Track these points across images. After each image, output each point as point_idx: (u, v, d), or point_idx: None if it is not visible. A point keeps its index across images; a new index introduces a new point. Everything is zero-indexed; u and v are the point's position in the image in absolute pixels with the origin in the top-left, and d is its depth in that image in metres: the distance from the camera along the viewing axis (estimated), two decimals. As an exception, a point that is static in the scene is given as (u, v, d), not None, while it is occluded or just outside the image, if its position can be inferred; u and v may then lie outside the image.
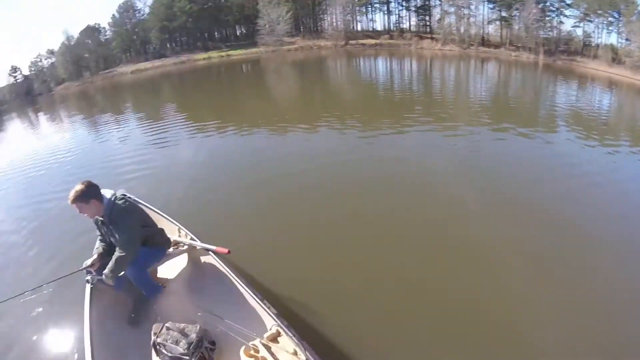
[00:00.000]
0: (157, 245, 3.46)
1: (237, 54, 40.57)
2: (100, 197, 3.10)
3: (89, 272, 3.26)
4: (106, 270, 3.10)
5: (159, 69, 44.16)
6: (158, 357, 2.88)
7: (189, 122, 13.18)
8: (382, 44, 32.07)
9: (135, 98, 28.55)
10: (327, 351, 2.90)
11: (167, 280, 3.80)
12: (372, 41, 33.90)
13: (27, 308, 4.69)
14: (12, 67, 64.09)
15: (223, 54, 41.99)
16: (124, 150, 10.65)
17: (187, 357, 2.71)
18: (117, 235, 3.12)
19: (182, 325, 2.90)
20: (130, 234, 3.12)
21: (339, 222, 5.06)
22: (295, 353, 2.45)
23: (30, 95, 59.87)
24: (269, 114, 11.85)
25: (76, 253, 4.34)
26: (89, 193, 3.02)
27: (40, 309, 4.23)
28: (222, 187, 6.73)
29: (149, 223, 3.44)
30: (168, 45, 51.73)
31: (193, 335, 2.80)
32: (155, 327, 3.04)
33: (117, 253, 3.09)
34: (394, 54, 25.42)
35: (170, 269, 3.89)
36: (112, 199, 3.14)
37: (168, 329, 2.89)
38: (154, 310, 3.31)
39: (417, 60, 22.82)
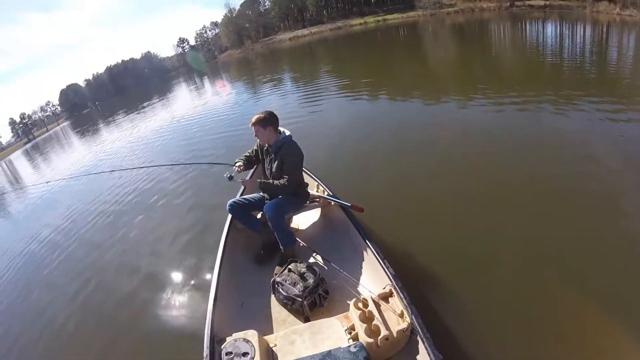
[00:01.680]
0: (299, 195, 3.75)
1: (394, 18, 39.48)
2: (276, 127, 3.49)
3: (232, 176, 3.74)
4: (262, 181, 3.63)
5: (316, 35, 46.35)
6: (273, 295, 3.24)
7: (340, 85, 13.80)
8: (552, 6, 27.35)
9: (291, 62, 30.61)
10: (434, 321, 2.86)
11: (297, 229, 4.20)
12: (541, 2, 29.28)
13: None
14: (179, 38, 74.80)
15: (379, 18, 41.31)
16: (275, 107, 11.59)
17: (300, 299, 2.96)
18: (282, 167, 3.51)
19: (304, 270, 3.17)
20: (295, 171, 3.50)
21: (479, 195, 4.74)
22: (401, 315, 2.49)
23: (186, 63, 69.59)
24: (422, 81, 11.56)
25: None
26: (269, 121, 3.41)
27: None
28: (362, 150, 6.91)
29: (300, 171, 3.77)
30: (324, 12, 53.37)
31: (311, 281, 3.05)
32: (277, 269, 3.40)
33: (279, 181, 3.50)
34: (564, 17, 21.67)
35: (303, 219, 4.31)
36: (289, 135, 3.55)
37: (290, 270, 3.20)
38: (280, 255, 3.65)
39: (592, 26, 19.11)
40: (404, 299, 2.53)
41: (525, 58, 12.98)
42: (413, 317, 2.40)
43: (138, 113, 28.24)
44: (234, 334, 2.59)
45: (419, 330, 2.33)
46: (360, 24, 42.75)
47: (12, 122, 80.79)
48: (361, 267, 3.16)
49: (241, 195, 4.18)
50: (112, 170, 11.44)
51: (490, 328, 2.96)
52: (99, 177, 12.61)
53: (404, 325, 2.42)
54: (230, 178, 3.72)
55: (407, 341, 2.47)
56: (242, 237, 3.89)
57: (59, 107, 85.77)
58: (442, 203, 4.74)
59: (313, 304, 2.98)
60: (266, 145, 3.63)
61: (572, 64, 11.43)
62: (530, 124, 6.57)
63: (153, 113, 23.87)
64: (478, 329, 2.96)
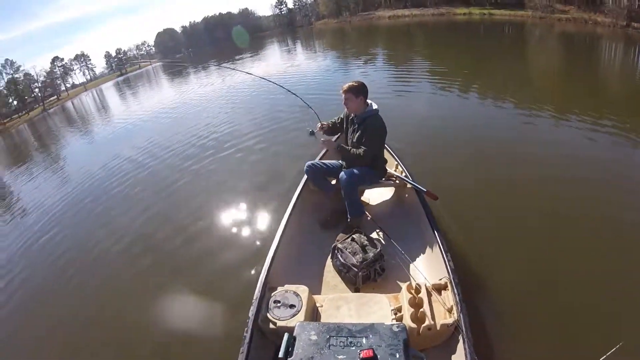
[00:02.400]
0: (375, 169, 3.72)
1: (500, 13, 36.52)
2: (365, 98, 3.51)
3: (314, 133, 3.96)
4: (340, 145, 3.68)
5: (416, 18, 44.63)
6: (331, 259, 3.30)
7: (432, 73, 13.31)
8: None
9: (387, 41, 29.79)
10: (478, 322, 2.78)
11: (368, 203, 4.22)
12: None
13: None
14: (277, 0, 75.45)
15: (485, 11, 38.41)
16: (363, 80, 11.54)
17: (356, 269, 2.98)
18: (363, 137, 3.50)
19: (366, 242, 3.19)
20: (373, 143, 3.49)
21: (553, 216, 4.42)
22: (450, 310, 2.44)
23: (291, 26, 70.39)
24: (518, 86, 10.72)
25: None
26: (361, 90, 3.44)
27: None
28: (444, 142, 6.77)
29: (381, 146, 3.76)
30: (429, -5, 51.03)
31: (370, 254, 3.05)
32: (340, 236, 3.44)
33: (356, 150, 3.53)
34: None
35: (376, 194, 4.31)
36: (376, 109, 3.54)
37: (353, 240, 3.22)
38: (346, 224, 3.68)
39: None
40: (456, 295, 2.46)
41: (633, 87, 11.62)
42: (461, 315, 2.33)
43: (226, 65, 29.34)
44: (286, 285, 2.69)
45: (463, 329, 2.26)
46: (464, 13, 40.13)
47: (108, 55, 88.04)
48: (422, 253, 3.11)
49: (320, 159, 4.28)
50: (195, 111, 12.28)
51: (533, 344, 2.81)
52: (180, 118, 13.62)
53: (449, 320, 2.36)
54: (312, 133, 3.86)
55: (449, 337, 2.42)
56: (313, 199, 3.97)
57: (153, 48, 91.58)
58: (514, 214, 4.50)
59: (367, 277, 3.00)
60: (352, 115, 3.62)
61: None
62: (623, 159, 5.94)
63: (242, 67, 24.61)
64: (519, 342, 2.84)
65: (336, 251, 3.18)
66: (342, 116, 3.85)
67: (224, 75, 22.57)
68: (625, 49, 19.56)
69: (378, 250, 3.09)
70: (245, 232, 4.91)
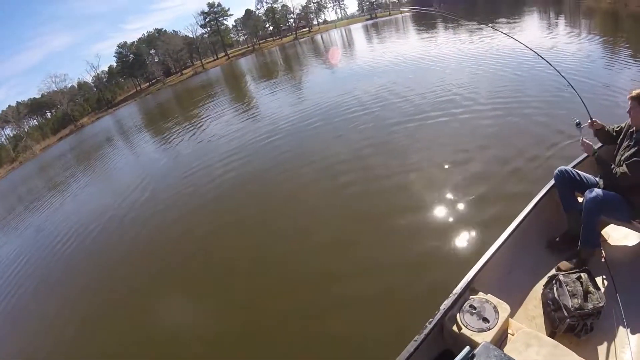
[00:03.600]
0: (629, 203, 2.98)
1: None
2: None
3: (580, 126, 3.32)
4: (598, 151, 3.11)
5: None
6: (543, 287, 2.87)
7: None
8: None
9: None
10: None
11: (607, 241, 3.42)
12: None
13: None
14: None
15: None
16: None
17: (565, 314, 2.52)
18: (633, 158, 2.86)
19: (592, 289, 2.63)
20: (638, 166, 2.81)
21: None
22: None
23: None
24: None
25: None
26: None
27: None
28: None
29: None
30: None
31: (590, 306, 2.51)
32: (563, 263, 2.99)
33: (617, 167, 2.94)
34: None
35: (620, 235, 3.44)
36: None
37: (579, 278, 2.70)
38: (574, 253, 3.14)
39: None
40: None
41: None
42: None
43: (475, 28, 27.48)
44: (489, 294, 2.50)
45: None
46: None
47: None
48: None
49: (574, 166, 3.56)
50: (435, 67, 12.03)
51: None
52: (419, 70, 13.62)
53: None
54: (578, 125, 3.25)
55: None
56: (549, 209, 3.43)
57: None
58: None
59: (572, 327, 2.52)
60: (633, 128, 2.93)
61: None
62: None
63: (493, 33, 22.74)
64: None
65: (554, 281, 2.74)
66: (622, 125, 3.12)
67: (475, 34, 21.17)
68: None
69: (600, 305, 2.52)
70: (461, 219, 4.70)
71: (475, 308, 2.40)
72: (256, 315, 4.17)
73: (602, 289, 2.80)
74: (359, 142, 7.90)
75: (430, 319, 2.38)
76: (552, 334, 2.61)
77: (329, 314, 3.82)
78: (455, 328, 2.35)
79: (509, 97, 8.29)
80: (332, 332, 3.62)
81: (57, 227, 10.24)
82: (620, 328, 2.52)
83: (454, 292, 2.48)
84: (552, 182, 3.37)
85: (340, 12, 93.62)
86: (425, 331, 2.32)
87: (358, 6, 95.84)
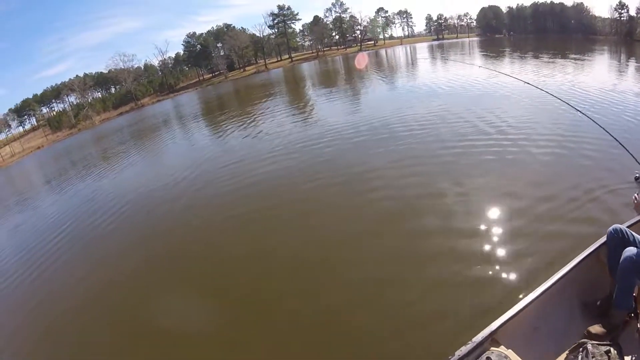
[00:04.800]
0: None
1: None
2: None
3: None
4: None
5: None
6: (568, 352, 2.61)
7: None
8: None
9: None
10: None
11: None
12: None
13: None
14: (619, 2, 58.53)
15: None
16: None
17: None
18: None
19: None
20: None
21: None
22: None
23: (629, 37, 54.20)
24: None
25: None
26: None
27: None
28: None
29: None
30: None
31: None
32: (594, 328, 2.74)
33: None
34: None
35: None
36: None
37: (608, 353, 2.45)
38: (609, 319, 2.85)
39: None
40: None
41: None
42: None
43: (543, 59, 26.42)
44: (510, 349, 2.36)
45: None
46: None
47: (429, 18, 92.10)
48: None
49: (629, 226, 3.18)
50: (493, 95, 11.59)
51: None
52: (474, 98, 13.21)
53: None
54: (638, 180, 3.06)
55: None
56: (595, 269, 3.15)
57: (474, 22, 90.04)
58: None
59: None
60: None
61: None
62: None
63: (560, 68, 21.65)
64: None
65: (581, 349, 2.50)
66: None
67: (541, 70, 20.41)
68: None
69: None
70: (496, 261, 4.45)
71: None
72: (270, 316, 4.25)
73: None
74: (401, 159, 7.92)
75: None
76: None
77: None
78: None
79: (565, 139, 7.88)
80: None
81: (97, 198, 11.14)
82: None
83: (474, 340, 2.34)
84: (603, 239, 3.08)
85: (408, 30, 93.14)
86: None
87: (426, 25, 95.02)
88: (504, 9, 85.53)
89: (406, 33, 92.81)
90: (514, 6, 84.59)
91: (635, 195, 2.91)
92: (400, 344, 3.48)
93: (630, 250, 2.72)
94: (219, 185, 9.07)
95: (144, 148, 18.75)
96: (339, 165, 8.48)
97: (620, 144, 3.42)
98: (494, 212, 5.43)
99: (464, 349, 2.31)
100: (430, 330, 3.53)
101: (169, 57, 74.60)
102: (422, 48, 59.56)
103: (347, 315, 4.00)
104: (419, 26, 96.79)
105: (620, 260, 2.74)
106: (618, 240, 2.93)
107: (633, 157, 3.24)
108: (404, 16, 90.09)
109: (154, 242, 7.00)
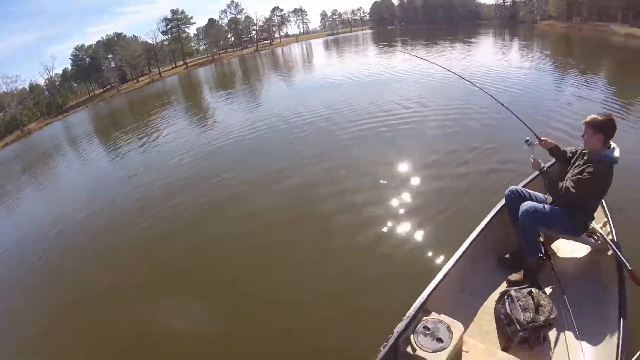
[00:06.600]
0: (572, 219, 3.07)
1: None
2: (607, 138, 2.92)
3: (531, 144, 3.35)
4: (545, 167, 3.15)
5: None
6: (495, 303, 2.90)
7: None
8: None
9: (618, 66, 23.26)
10: None
11: (555, 254, 3.54)
12: None
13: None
14: None
15: None
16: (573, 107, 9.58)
17: (518, 327, 2.57)
18: (577, 176, 2.95)
19: (543, 302, 2.67)
20: (581, 185, 2.88)
21: None
22: None
23: (512, 20, 63.19)
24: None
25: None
26: (602, 128, 2.89)
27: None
28: None
29: (595, 198, 3.07)
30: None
31: (541, 318, 2.56)
32: (513, 276, 3.11)
33: (561, 182, 3.01)
34: None
35: (568, 248, 3.58)
36: (614, 157, 2.90)
37: (530, 294, 2.72)
38: (525, 268, 3.21)
39: None
40: None
41: None
42: None
43: (434, 46, 28.57)
44: (442, 315, 2.48)
45: None
46: None
47: (323, 14, 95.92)
48: (596, 341, 2.50)
49: (525, 185, 3.69)
50: (389, 87, 12.25)
51: None
52: (373, 89, 13.74)
53: None
54: (528, 142, 3.29)
55: None
56: (501, 228, 3.49)
57: (367, 15, 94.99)
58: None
59: (525, 339, 2.57)
60: (586, 150, 3.04)
61: None
62: None
63: (449, 52, 23.57)
64: None
65: (506, 297, 2.77)
66: (579, 149, 3.22)
67: (430, 53, 21.93)
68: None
69: (552, 317, 2.58)
70: (414, 240, 4.62)
71: (428, 329, 2.37)
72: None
73: (553, 301, 2.82)
74: (302, 154, 7.95)
75: (385, 343, 2.33)
76: (505, 347, 2.62)
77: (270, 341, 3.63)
78: (409, 350, 2.31)
79: (455, 124, 8.41)
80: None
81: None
82: (572, 337, 2.58)
83: (407, 314, 2.45)
84: (503, 201, 3.45)
85: (303, 27, 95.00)
86: (380, 355, 2.27)
87: (320, 21, 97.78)
88: (396, 2, 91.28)
89: (302, 30, 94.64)
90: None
91: (532, 156, 3.20)
92: (339, 335, 3.48)
93: (525, 205, 3.06)
94: (122, 201, 8.40)
95: (37, 180, 16.59)
96: (241, 163, 8.37)
97: (511, 111, 3.73)
98: (401, 188, 5.73)
99: (400, 325, 2.41)
100: (368, 316, 3.56)
101: (56, 74, 67.00)
102: (318, 44, 61.12)
103: (279, 313, 3.89)
104: (314, 22, 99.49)
105: (520, 213, 3.06)
106: (515, 199, 3.31)
107: (522, 121, 3.58)
108: (299, 14, 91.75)
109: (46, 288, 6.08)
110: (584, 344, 2.39)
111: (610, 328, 2.52)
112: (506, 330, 2.64)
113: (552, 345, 2.64)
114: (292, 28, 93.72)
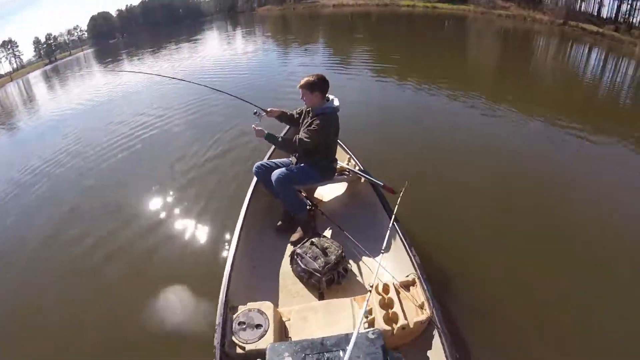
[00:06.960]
0: (319, 168, 3.45)
1: (444, 7, 37.13)
2: (324, 93, 3.25)
3: (259, 115, 3.55)
4: (269, 133, 3.34)
5: (360, 7, 44.15)
6: (291, 266, 3.08)
7: (372, 65, 13.16)
8: (604, 35, 25.11)
9: (330, 31, 29.09)
10: (451, 316, 2.82)
11: (322, 201, 3.98)
12: (594, 28, 27.20)
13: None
14: None
15: (429, 4, 38.94)
16: (303, 71, 11.16)
17: (319, 275, 2.80)
18: (306, 128, 3.26)
19: (327, 244, 2.98)
20: (313, 135, 3.19)
21: (514, 201, 4.62)
22: (421, 306, 2.36)
23: (232, 11, 67.92)
24: (452, 77, 11.01)
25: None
26: (317, 86, 3.18)
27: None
28: (392, 132, 6.74)
29: (330, 143, 3.47)
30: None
31: (332, 257, 2.86)
32: (294, 236, 3.34)
33: (297, 136, 3.26)
34: (612, 49, 19.90)
35: (329, 191, 4.07)
36: (336, 107, 3.28)
37: (312, 243, 2.99)
38: (300, 225, 3.49)
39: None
40: (426, 291, 2.40)
41: (563, 80, 12.40)
42: (434, 310, 2.30)
43: (162, 51, 27.78)
44: (248, 304, 2.44)
45: (438, 324, 2.25)
46: (408, 5, 40.05)
47: (37, 42, 79.04)
48: (385, 251, 2.85)
49: (269, 158, 3.98)
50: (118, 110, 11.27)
51: (506, 333, 2.89)
52: (111, 108, 12.40)
53: (423, 317, 2.30)
54: (256, 114, 3.51)
55: (423, 332, 2.37)
56: (265, 201, 3.67)
57: (86, 33, 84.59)
58: (471, 202, 4.55)
59: (330, 280, 2.85)
60: (309, 108, 3.40)
61: (608, 97, 10.64)
62: (548, 146, 6.36)
63: (177, 54, 23.38)
64: (492, 332, 2.89)
65: (295, 257, 2.98)
66: (303, 109, 3.56)
67: (157, 61, 21.32)
68: (560, 46, 20.93)
69: (340, 252, 2.92)
70: (196, 248, 4.27)
71: (244, 323, 2.31)
72: None
73: (336, 239, 3.20)
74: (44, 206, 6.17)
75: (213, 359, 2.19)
76: (320, 295, 2.84)
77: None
78: (239, 350, 2.23)
79: (195, 129, 8.26)
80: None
81: None
82: (366, 257, 3.01)
83: (217, 321, 2.33)
84: (255, 178, 3.64)
85: (16, 62, 76.91)
86: None
87: (34, 50, 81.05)
88: (115, 13, 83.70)
89: (15, 66, 76.93)
90: (123, 8, 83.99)
91: (253, 125, 3.39)
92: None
93: (275, 174, 3.28)
94: None
95: None
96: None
97: (235, 96, 3.97)
98: (157, 205, 5.28)
99: (217, 335, 2.26)
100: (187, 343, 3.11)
101: None
102: (36, 77, 51.34)
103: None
104: (28, 53, 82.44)
105: (275, 184, 3.27)
106: (264, 172, 3.52)
107: (247, 101, 3.79)
108: (9, 47, 73.78)
109: None
110: (379, 258, 2.61)
111: (391, 236, 2.91)
112: (312, 282, 2.84)
113: (357, 271, 3.00)
114: (4, 66, 74.44)
